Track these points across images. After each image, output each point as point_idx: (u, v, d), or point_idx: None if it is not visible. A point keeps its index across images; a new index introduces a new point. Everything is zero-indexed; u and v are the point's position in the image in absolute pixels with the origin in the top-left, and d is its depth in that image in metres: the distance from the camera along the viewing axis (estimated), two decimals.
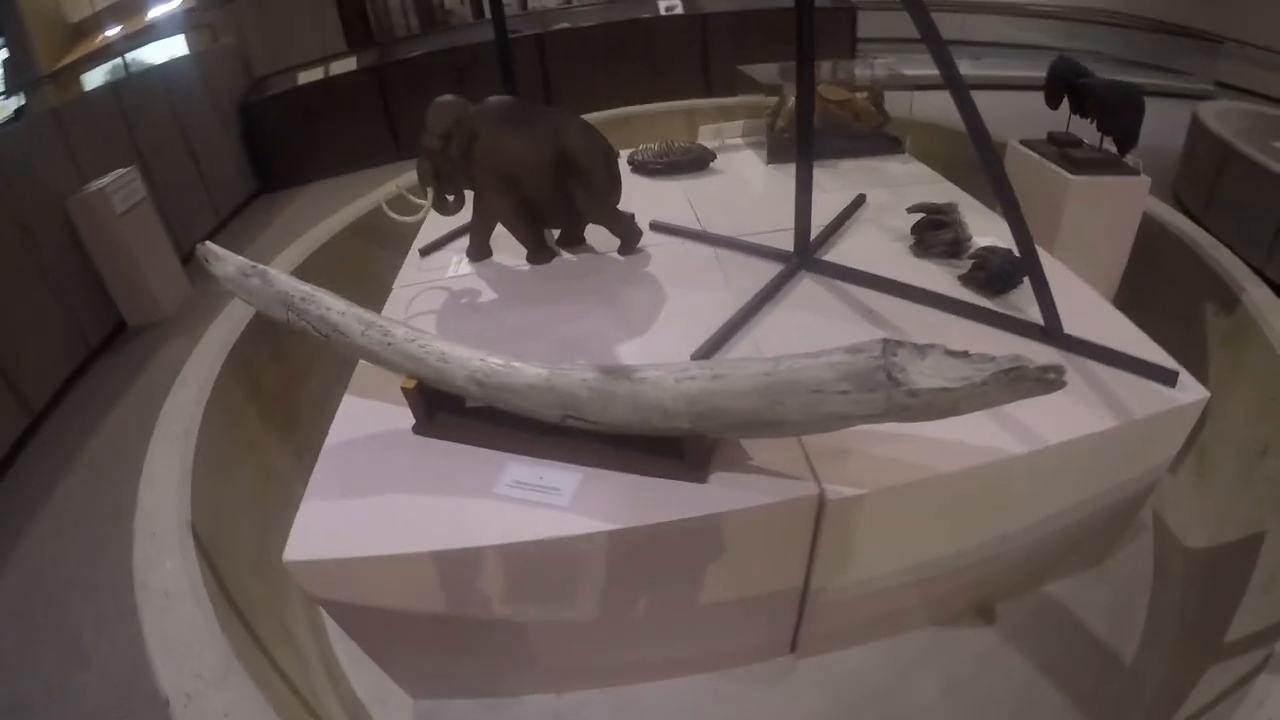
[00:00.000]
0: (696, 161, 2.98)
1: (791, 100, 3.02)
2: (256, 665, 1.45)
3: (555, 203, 2.15)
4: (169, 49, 5.71)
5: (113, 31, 5.47)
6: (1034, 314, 1.83)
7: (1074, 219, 2.69)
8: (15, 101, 4.58)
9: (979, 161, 1.75)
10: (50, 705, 2.18)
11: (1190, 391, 1.61)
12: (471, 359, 1.46)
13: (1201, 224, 2.97)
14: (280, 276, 1.63)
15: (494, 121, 2.01)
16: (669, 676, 1.81)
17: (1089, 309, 1.91)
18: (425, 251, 2.47)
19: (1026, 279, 1.91)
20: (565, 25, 5.87)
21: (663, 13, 5.94)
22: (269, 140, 5.95)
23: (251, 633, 1.60)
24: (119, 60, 5.34)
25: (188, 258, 4.86)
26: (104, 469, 3.17)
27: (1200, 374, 1.69)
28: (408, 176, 3.47)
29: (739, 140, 3.40)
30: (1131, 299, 2.18)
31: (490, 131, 2.01)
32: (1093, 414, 1.53)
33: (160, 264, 4.37)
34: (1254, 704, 1.23)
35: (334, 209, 3.45)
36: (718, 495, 1.39)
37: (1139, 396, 1.59)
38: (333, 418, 2.78)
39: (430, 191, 2.08)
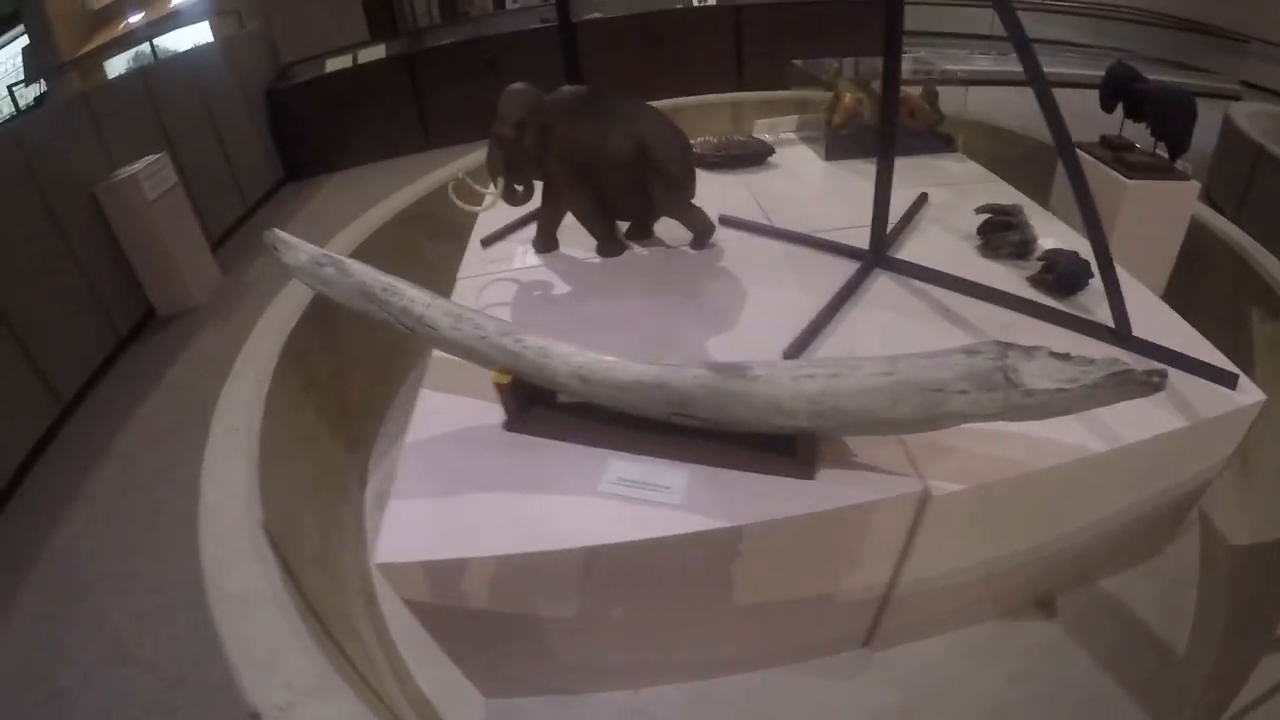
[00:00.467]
0: (755, 156, 2.93)
1: (848, 96, 2.97)
2: (343, 671, 1.41)
3: (629, 194, 2.09)
4: (193, 36, 5.64)
5: (135, 18, 5.40)
6: (1101, 315, 1.86)
7: (1128, 222, 2.67)
8: (35, 89, 4.53)
9: (1063, 165, 1.76)
10: (91, 697, 2.13)
11: (1248, 394, 1.64)
12: (574, 354, 1.40)
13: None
14: (357, 266, 1.58)
15: (570, 111, 1.96)
16: (744, 670, 1.79)
17: (1150, 311, 1.93)
18: (487, 242, 2.41)
19: (1090, 281, 1.98)
20: (598, 15, 5.79)
21: (695, 3, 5.88)
22: (296, 127, 5.89)
23: (331, 636, 1.55)
24: (143, 47, 5.28)
25: (216, 245, 4.80)
26: (137, 462, 3.11)
27: (1248, 377, 1.71)
28: (463, 162, 3.48)
29: (793, 135, 3.34)
30: (1178, 302, 2.19)
31: (567, 121, 1.95)
32: (1163, 414, 1.56)
33: (191, 251, 4.30)
34: None
35: (363, 197, 3.40)
36: (828, 492, 1.38)
37: (1202, 398, 1.62)
38: (384, 410, 2.80)
39: (499, 181, 2.02)
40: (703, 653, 1.72)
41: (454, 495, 1.42)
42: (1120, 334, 1.80)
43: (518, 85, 1.97)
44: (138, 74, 4.73)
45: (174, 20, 5.57)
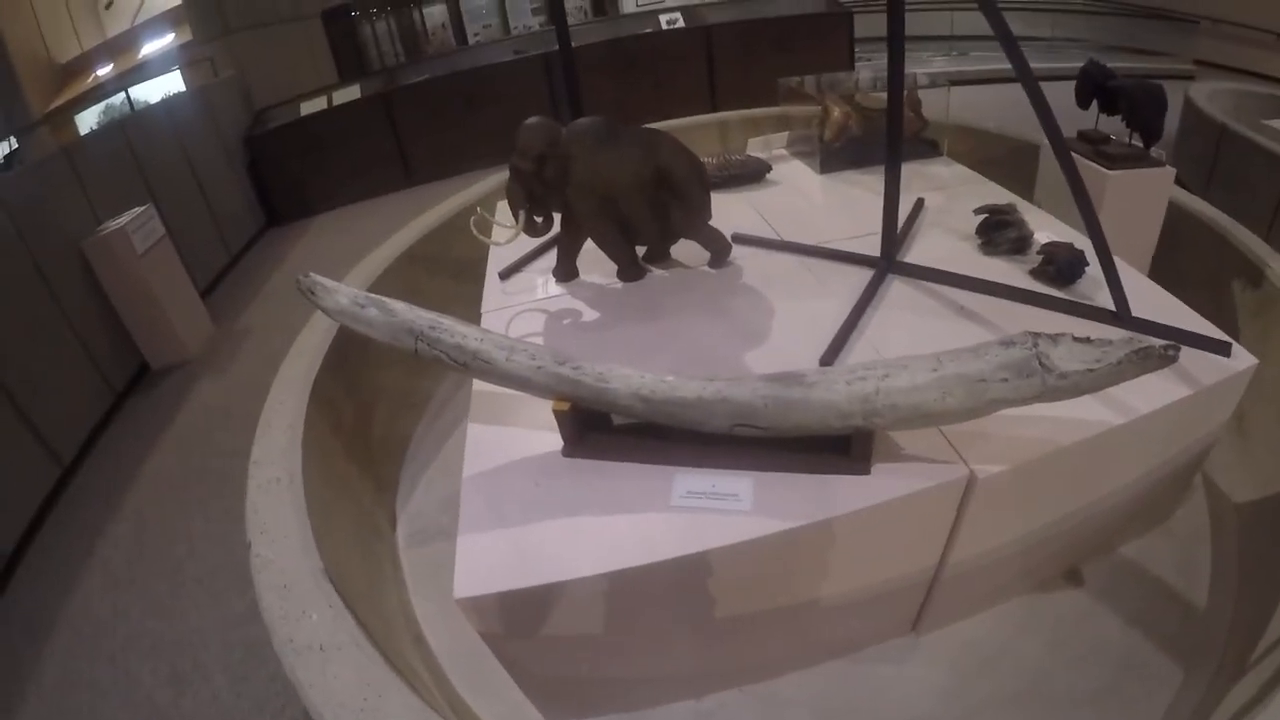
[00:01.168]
0: (754, 173, 3.00)
1: (836, 111, 3.07)
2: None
3: (649, 219, 2.14)
4: (164, 86, 5.60)
5: (104, 70, 5.36)
6: (1100, 300, 1.99)
7: (1111, 210, 2.80)
8: (4, 147, 4.45)
9: (1058, 160, 1.86)
10: None
11: (1241, 360, 1.79)
12: (633, 376, 1.44)
13: None
14: (401, 306, 1.60)
15: (589, 142, 2.01)
16: (803, 668, 1.84)
17: (1143, 292, 2.06)
18: (505, 275, 2.44)
19: (1086, 270, 2.13)
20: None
21: (665, 27, 5.98)
22: (276, 172, 5.86)
23: (405, 679, 1.56)
24: (114, 99, 5.23)
25: (204, 294, 4.75)
26: (150, 518, 3.06)
27: (1238, 344, 1.86)
28: (461, 197, 3.50)
29: (784, 151, 3.43)
30: (1164, 280, 2.34)
31: (586, 152, 2.00)
32: (1169, 385, 1.68)
33: (182, 303, 4.26)
34: None
35: (348, 238, 3.41)
36: (884, 484, 1.46)
37: (1200, 367, 1.75)
38: (404, 449, 2.80)
39: (520, 214, 2.06)
40: (765, 653, 1.77)
41: (523, 524, 1.44)
42: (1121, 315, 1.92)
43: (535, 119, 2.02)
44: (117, 126, 4.69)
45: (143, 71, 5.53)
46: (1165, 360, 1.33)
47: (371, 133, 6.00)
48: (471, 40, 7.07)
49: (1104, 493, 1.84)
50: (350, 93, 6.01)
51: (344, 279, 2.85)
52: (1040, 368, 1.35)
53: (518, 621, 1.39)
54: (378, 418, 2.68)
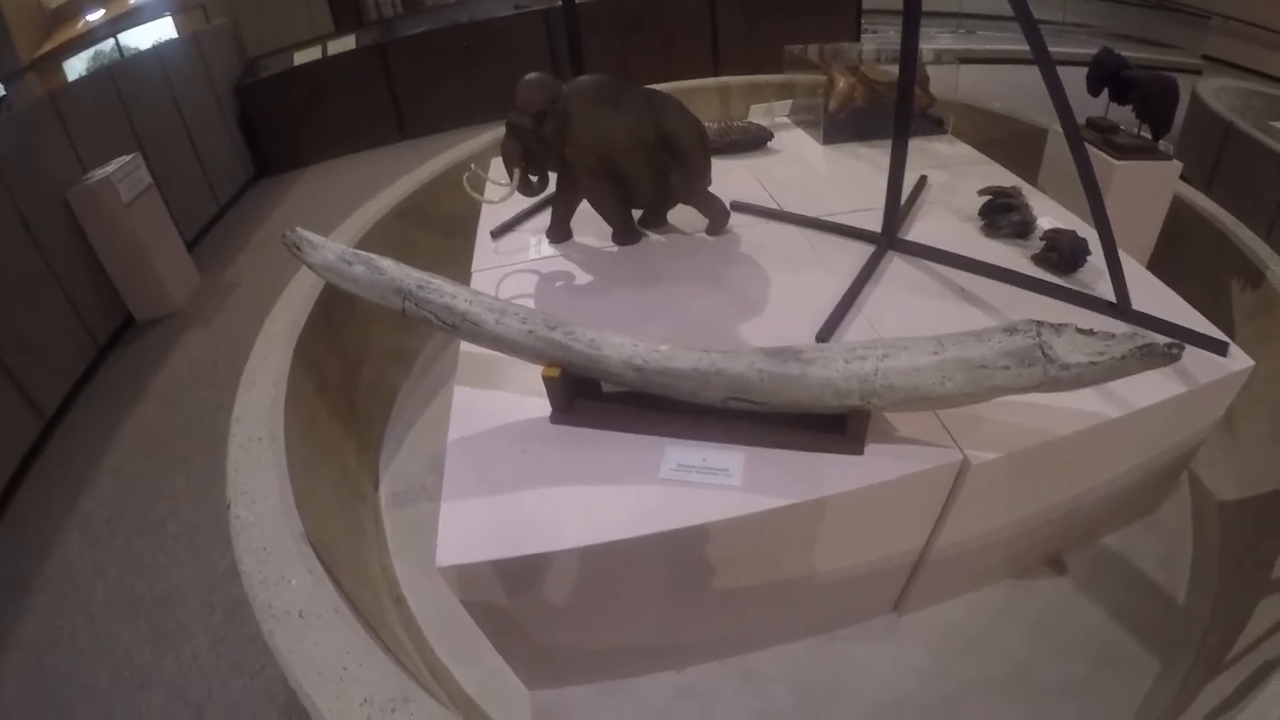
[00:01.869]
0: (755, 141, 2.94)
1: (841, 82, 3.00)
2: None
3: (648, 183, 2.09)
4: (155, 32, 5.44)
5: (95, 16, 5.20)
6: (1101, 290, 1.98)
7: (1116, 200, 2.78)
8: None
9: (1070, 147, 1.82)
10: None
11: (1238, 360, 1.78)
12: (626, 344, 1.40)
13: None
14: (389, 264, 1.55)
15: (590, 101, 1.94)
16: (784, 642, 1.85)
17: (1144, 286, 2.05)
18: (497, 234, 2.39)
19: (1088, 259, 2.11)
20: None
21: None
22: (267, 123, 5.72)
23: (386, 646, 1.54)
24: (104, 45, 5.08)
25: (191, 246, 4.66)
26: (132, 476, 3.02)
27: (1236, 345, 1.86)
28: (452, 154, 3.43)
29: (787, 119, 3.36)
30: (1163, 275, 2.33)
31: (587, 111, 1.94)
32: (1165, 381, 1.68)
33: (169, 254, 4.17)
34: None
35: (338, 191, 3.33)
36: (877, 466, 1.44)
37: (1197, 365, 1.74)
38: (388, 410, 2.77)
39: (516, 172, 2.00)
40: (747, 628, 1.77)
41: (508, 491, 1.41)
42: (1122, 308, 1.91)
43: (535, 75, 1.95)
44: (105, 73, 4.55)
45: (135, 17, 5.36)
46: (1169, 358, 1.31)
47: (366, 84, 5.85)
48: None
49: (1093, 484, 1.85)
50: (345, 43, 5.85)
51: (333, 233, 2.79)
52: (1043, 357, 1.33)
53: (500, 591, 1.37)
54: (363, 376, 2.63)
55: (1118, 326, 1.79)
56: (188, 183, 5.06)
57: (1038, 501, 1.77)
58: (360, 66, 5.80)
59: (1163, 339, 1.32)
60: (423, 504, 2.32)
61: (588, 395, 1.55)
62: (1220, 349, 1.78)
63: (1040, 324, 1.36)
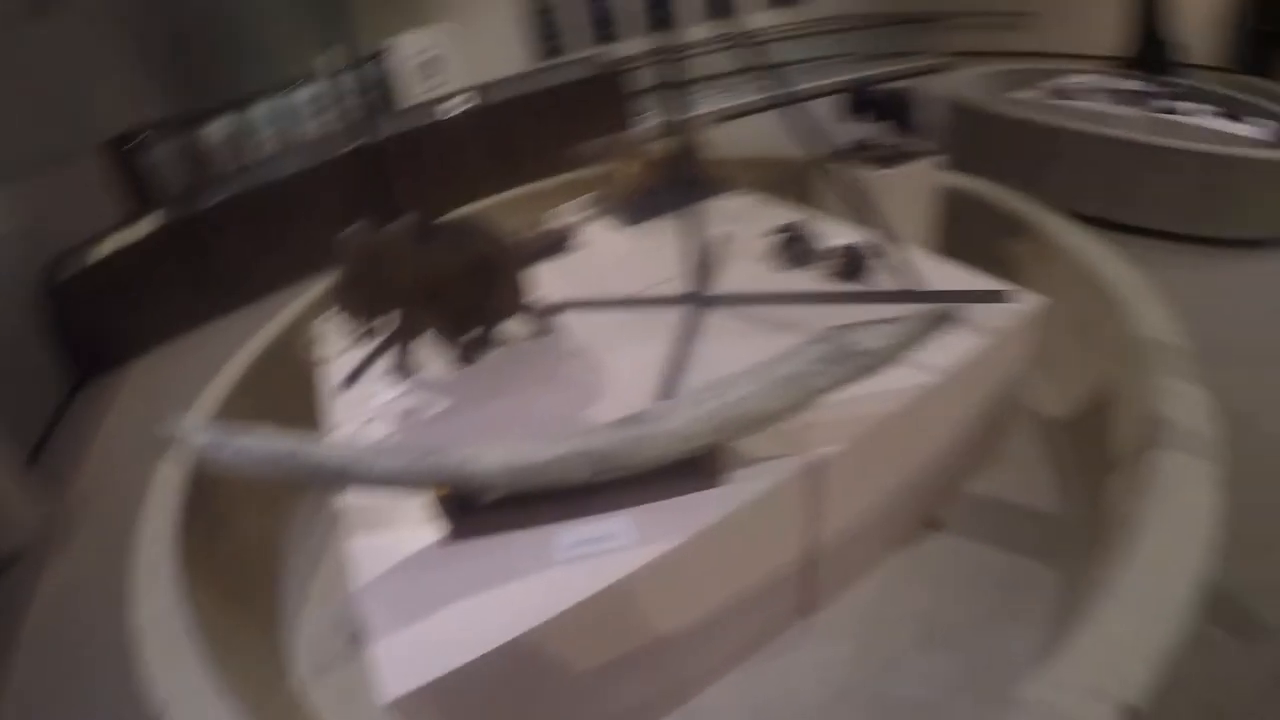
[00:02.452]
0: (559, 243, 3.16)
1: (631, 167, 3.33)
2: None
3: (475, 305, 2.26)
4: None
5: None
6: (895, 284, 2.36)
7: (893, 202, 3.22)
8: None
9: (821, 172, 2.22)
10: None
11: (1033, 302, 2.20)
12: (494, 453, 1.55)
13: None
14: (254, 441, 1.61)
15: (406, 243, 2.10)
16: (720, 678, 1.99)
17: (930, 267, 2.45)
18: (347, 383, 2.45)
19: (878, 261, 2.48)
20: (353, 146, 5.79)
21: (451, 112, 6.10)
22: (86, 319, 5.39)
23: None
24: None
25: (28, 465, 4.29)
26: None
27: (1027, 290, 2.26)
28: (296, 306, 3.37)
29: (585, 214, 3.60)
30: (953, 253, 2.77)
31: (406, 253, 2.10)
32: (971, 338, 2.05)
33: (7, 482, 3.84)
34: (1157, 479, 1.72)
35: (175, 376, 3.21)
36: (738, 490, 1.67)
37: (1000, 316, 2.14)
38: (286, 580, 2.68)
39: (352, 321, 2.11)
40: (684, 671, 1.89)
41: (431, 612, 1.49)
42: (911, 292, 2.28)
43: (353, 228, 2.08)
44: None
45: None
46: (951, 320, 1.70)
47: (181, 260, 5.66)
48: (263, 154, 6.94)
49: (940, 443, 2.17)
50: (153, 222, 5.67)
51: (185, 417, 2.73)
52: (849, 353, 1.62)
53: (451, 704, 1.43)
54: (249, 550, 2.58)
55: (915, 309, 2.09)
56: (5, 400, 4.66)
57: (896, 474, 2.05)
58: (171, 244, 5.60)
59: (943, 306, 1.68)
60: (343, 669, 2.27)
61: (476, 507, 1.66)
62: (1002, 298, 2.17)
63: (840, 328, 1.67)
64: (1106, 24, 6.82)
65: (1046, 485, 2.46)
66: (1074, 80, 6.49)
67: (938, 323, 1.70)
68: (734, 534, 1.66)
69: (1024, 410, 2.69)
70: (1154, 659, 1.35)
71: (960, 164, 4.60)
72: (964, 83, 5.94)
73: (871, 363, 1.64)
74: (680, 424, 1.55)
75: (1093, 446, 2.35)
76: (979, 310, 2.16)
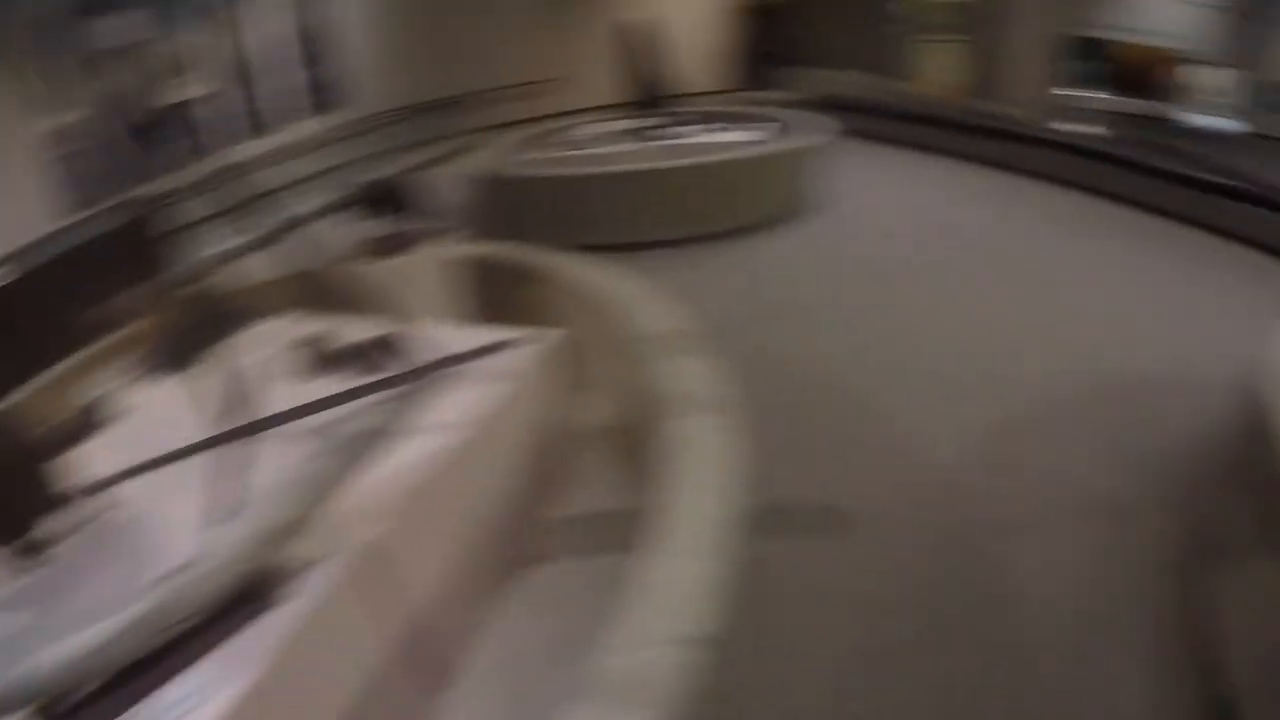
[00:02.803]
0: (92, 418, 2.84)
1: (162, 316, 3.16)
2: None
3: (14, 510, 2.07)
4: None
5: None
6: (414, 362, 2.44)
7: (418, 285, 3.53)
8: None
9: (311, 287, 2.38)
10: None
11: (548, 338, 2.61)
12: (57, 648, 1.48)
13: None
14: None
15: None
16: None
17: (452, 336, 2.62)
18: None
19: (394, 350, 2.50)
20: None
21: None
22: None
23: None
24: None
25: None
26: None
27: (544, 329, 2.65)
28: None
29: (127, 375, 3.17)
30: (484, 313, 3.12)
31: None
32: (490, 387, 2.33)
33: None
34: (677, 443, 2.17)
35: None
36: (299, 601, 1.65)
37: (515, 360, 2.47)
38: None
39: None
40: None
41: None
42: (428, 364, 2.38)
43: None
44: None
45: None
46: (433, 381, 2.08)
47: None
48: None
49: (498, 486, 2.36)
50: None
51: None
52: (348, 445, 1.85)
53: None
54: None
55: (426, 383, 2.31)
56: None
57: (463, 528, 2.16)
58: None
59: (434, 372, 2.00)
60: None
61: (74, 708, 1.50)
62: (507, 346, 2.46)
63: (338, 423, 1.91)
64: (610, 78, 7.72)
65: (623, 485, 2.72)
66: (584, 131, 7.56)
67: (423, 390, 1.97)
68: (312, 642, 1.64)
69: (585, 428, 3.04)
70: (704, 591, 1.51)
71: (489, 231, 5.16)
72: (491, 156, 6.54)
73: (372, 443, 1.85)
74: (222, 557, 1.63)
75: (641, 439, 2.63)
76: (497, 361, 2.46)
